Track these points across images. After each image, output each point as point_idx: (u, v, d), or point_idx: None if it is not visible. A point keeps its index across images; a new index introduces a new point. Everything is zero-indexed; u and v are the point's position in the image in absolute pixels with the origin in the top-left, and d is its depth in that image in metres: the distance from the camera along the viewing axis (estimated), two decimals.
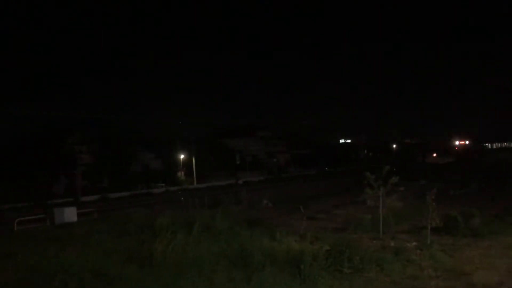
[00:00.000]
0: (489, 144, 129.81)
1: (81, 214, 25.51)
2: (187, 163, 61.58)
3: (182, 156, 62.56)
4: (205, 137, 74.14)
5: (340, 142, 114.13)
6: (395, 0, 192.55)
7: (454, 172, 50.13)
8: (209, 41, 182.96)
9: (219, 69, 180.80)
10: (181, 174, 61.04)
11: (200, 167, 59.88)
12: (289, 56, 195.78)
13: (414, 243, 13.67)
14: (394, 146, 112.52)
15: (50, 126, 56.27)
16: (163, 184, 55.05)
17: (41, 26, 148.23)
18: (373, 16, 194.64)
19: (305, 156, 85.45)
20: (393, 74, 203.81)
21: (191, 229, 14.01)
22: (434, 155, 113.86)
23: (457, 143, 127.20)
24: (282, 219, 20.19)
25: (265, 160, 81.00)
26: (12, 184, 45.17)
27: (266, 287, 9.38)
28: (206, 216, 16.60)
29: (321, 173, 73.26)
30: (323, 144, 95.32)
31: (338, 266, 10.48)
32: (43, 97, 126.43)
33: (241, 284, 9.52)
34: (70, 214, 24.63)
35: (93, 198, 42.72)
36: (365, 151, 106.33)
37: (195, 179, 58.70)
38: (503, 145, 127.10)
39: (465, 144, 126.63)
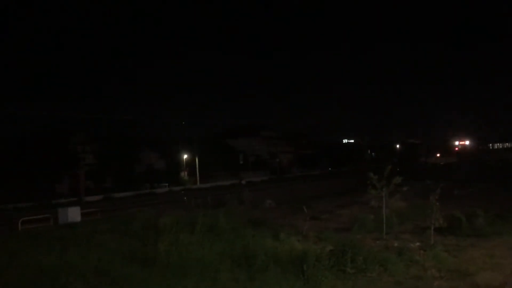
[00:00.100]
0: (495, 144, 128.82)
1: (85, 214, 25.58)
2: (190, 163, 61.70)
3: (185, 156, 62.67)
4: (208, 137, 74.24)
5: (343, 142, 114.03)
6: (396, 0, 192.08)
7: (457, 172, 49.99)
8: (211, 41, 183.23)
9: (222, 69, 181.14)
10: (184, 174, 61.16)
11: (203, 167, 59.97)
12: (292, 56, 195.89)
13: (418, 244, 13.63)
14: (398, 146, 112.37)
15: (54, 126, 56.56)
16: (167, 184, 55.16)
17: (43, 26, 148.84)
18: (374, 15, 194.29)
19: (308, 156, 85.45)
20: (395, 74, 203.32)
21: (195, 229, 14.03)
22: (438, 155, 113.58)
23: (457, 143, 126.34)
24: (285, 219, 20.17)
25: (268, 160, 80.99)
26: (15, 184, 45.34)
27: (269, 287, 9.38)
28: (209, 216, 16.60)
29: (324, 173, 73.27)
30: (326, 144, 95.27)
31: (341, 266, 10.47)
32: (47, 97, 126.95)
33: (245, 284, 9.52)
34: (73, 214, 24.71)
35: (96, 198, 42.88)
36: (368, 151, 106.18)
37: (198, 179, 58.79)
38: (505, 145, 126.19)
39: (465, 144, 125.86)
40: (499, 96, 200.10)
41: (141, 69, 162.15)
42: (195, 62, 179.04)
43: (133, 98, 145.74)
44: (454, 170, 55.72)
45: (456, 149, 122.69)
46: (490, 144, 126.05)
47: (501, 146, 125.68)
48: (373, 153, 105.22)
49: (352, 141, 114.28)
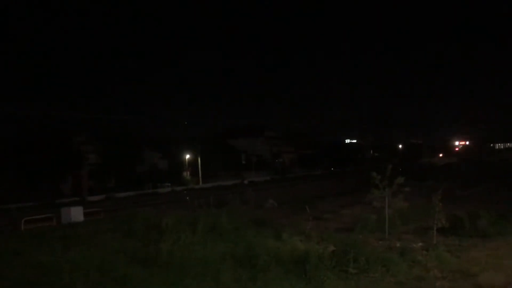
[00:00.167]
0: (496, 144, 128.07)
1: (88, 213, 25.66)
2: (192, 163, 61.76)
3: (187, 156, 62.75)
4: (211, 137, 74.29)
5: (346, 142, 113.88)
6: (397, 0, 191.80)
7: (459, 173, 49.85)
8: (211, 41, 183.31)
9: (224, 69, 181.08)
10: (186, 174, 61.23)
11: (205, 167, 60.02)
12: (294, 55, 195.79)
13: (420, 244, 13.61)
14: (400, 146, 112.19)
15: (56, 126, 56.70)
16: (169, 184, 55.22)
17: (45, 26, 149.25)
18: (375, 15, 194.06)
19: (311, 156, 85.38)
20: (397, 74, 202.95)
21: (197, 229, 14.05)
22: (440, 155, 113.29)
23: (457, 143, 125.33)
24: (287, 219, 20.17)
25: (271, 160, 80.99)
26: (19, 183, 45.51)
27: (271, 287, 9.39)
28: (211, 216, 16.63)
29: (327, 173, 73.18)
30: (328, 144, 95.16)
31: (343, 267, 10.47)
32: (49, 98, 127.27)
33: (247, 284, 9.53)
34: (76, 213, 24.79)
35: (99, 198, 42.98)
36: (371, 151, 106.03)
37: (200, 179, 58.83)
38: (506, 145, 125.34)
39: (465, 144, 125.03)
40: (501, 96, 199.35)
41: (143, 69, 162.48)
42: (197, 62, 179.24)
43: (136, 98, 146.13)
44: (456, 171, 55.55)
45: (456, 149, 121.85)
46: (492, 144, 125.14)
47: (502, 147, 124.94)
48: (375, 153, 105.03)
49: (355, 141, 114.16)
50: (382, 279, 10.19)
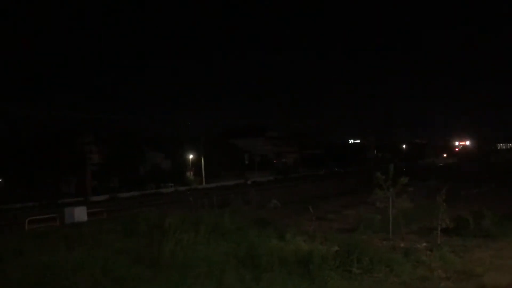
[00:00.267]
0: (498, 145, 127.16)
1: (91, 213, 25.72)
2: (196, 163, 61.83)
3: (191, 156, 62.81)
4: (214, 137, 74.33)
5: (349, 142, 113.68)
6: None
7: (462, 173, 49.65)
8: (216, 42, 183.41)
9: (227, 69, 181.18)
10: (190, 174, 61.31)
11: (209, 167, 60.06)
12: (297, 55, 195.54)
13: (424, 244, 13.55)
14: (404, 146, 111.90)
15: (60, 127, 56.88)
16: (172, 184, 55.30)
17: (48, 27, 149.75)
18: (377, 15, 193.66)
19: (314, 156, 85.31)
20: (401, 74, 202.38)
21: (200, 229, 14.02)
22: (445, 155, 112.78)
23: (457, 143, 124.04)
24: (291, 219, 20.14)
25: (274, 160, 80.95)
26: (23, 184, 45.70)
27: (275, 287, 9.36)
28: (214, 216, 16.61)
29: (330, 173, 73.10)
30: (332, 144, 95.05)
31: (347, 267, 10.42)
32: (53, 98, 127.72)
33: (250, 284, 9.50)
34: (80, 213, 24.87)
35: (102, 198, 43.10)
36: (375, 151, 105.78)
37: (203, 179, 58.87)
38: (508, 146, 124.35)
39: (466, 145, 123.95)
40: (503, 96, 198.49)
41: (146, 69, 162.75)
42: (199, 62, 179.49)
43: (138, 99, 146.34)
44: (458, 171, 55.29)
45: (456, 149, 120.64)
46: (496, 144, 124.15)
47: (504, 147, 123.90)
48: (379, 153, 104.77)
49: (358, 141, 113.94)
50: (386, 279, 10.14)
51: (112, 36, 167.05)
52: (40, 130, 55.42)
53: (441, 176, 40.06)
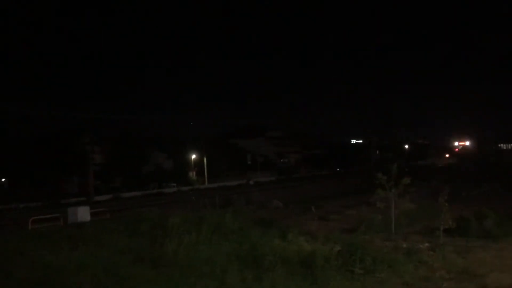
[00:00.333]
0: (499, 145, 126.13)
1: (94, 213, 25.80)
2: (198, 163, 61.86)
3: (193, 156, 62.84)
4: (216, 138, 74.38)
5: (351, 142, 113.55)
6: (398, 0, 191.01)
7: (463, 174, 49.52)
8: (217, 42, 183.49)
9: (230, 69, 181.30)
10: (192, 174, 61.33)
11: (211, 167, 60.10)
12: (300, 56, 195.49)
13: (427, 244, 13.54)
14: (406, 146, 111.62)
15: (63, 127, 57.11)
16: (175, 184, 55.37)
17: (52, 28, 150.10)
18: (378, 15, 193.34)
19: (316, 157, 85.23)
20: (404, 74, 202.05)
21: (202, 229, 14.05)
22: (447, 155, 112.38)
23: (456, 144, 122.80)
24: (293, 220, 20.16)
25: (276, 160, 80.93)
26: (26, 183, 45.85)
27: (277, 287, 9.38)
28: (217, 216, 16.64)
29: (333, 173, 73.00)
30: (334, 144, 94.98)
31: (349, 267, 10.44)
32: (56, 98, 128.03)
33: (253, 284, 9.52)
34: (83, 213, 24.96)
35: (105, 198, 43.19)
36: (377, 152, 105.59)
37: (206, 179, 58.92)
38: (510, 146, 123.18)
39: (465, 145, 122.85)
40: (505, 95, 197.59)
41: (148, 70, 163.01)
42: (206, 63, 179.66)
43: (141, 99, 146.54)
44: (460, 172, 55.11)
45: (456, 150, 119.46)
46: (498, 145, 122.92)
47: (505, 147, 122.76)
48: (381, 154, 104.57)
49: (360, 141, 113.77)
50: (388, 280, 10.14)
51: (114, 36, 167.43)
52: (42, 130, 55.69)
53: (442, 177, 40.03)
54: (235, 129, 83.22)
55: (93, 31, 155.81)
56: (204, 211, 19.98)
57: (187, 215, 16.95)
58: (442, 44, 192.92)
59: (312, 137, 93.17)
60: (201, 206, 24.52)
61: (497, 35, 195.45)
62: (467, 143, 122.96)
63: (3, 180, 53.63)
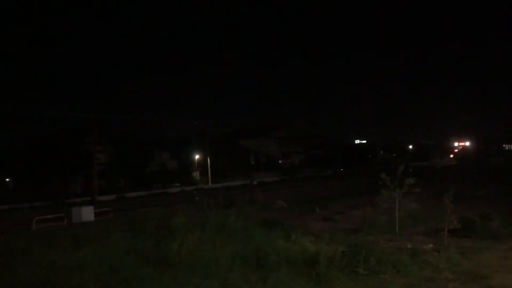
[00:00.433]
0: (503, 145, 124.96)
1: (98, 213, 25.88)
2: (202, 163, 61.93)
3: (197, 156, 62.91)
4: (220, 138, 74.40)
5: (356, 142, 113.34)
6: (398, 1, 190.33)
7: (466, 174, 49.27)
8: (220, 42, 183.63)
9: (232, 69, 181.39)
10: (196, 174, 61.40)
11: (215, 167, 60.16)
12: (303, 55, 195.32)
13: (431, 245, 13.48)
14: (410, 146, 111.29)
15: (67, 127, 57.33)
16: (179, 184, 55.46)
17: (57, 29, 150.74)
18: (381, 15, 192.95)
19: (320, 157, 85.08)
20: (405, 74, 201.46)
21: (206, 229, 14.05)
22: (451, 156, 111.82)
23: (456, 144, 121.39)
24: (297, 220, 20.13)
25: (280, 160, 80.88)
26: (30, 183, 46.05)
27: None
28: (220, 216, 16.63)
29: (337, 173, 72.83)
30: (338, 144, 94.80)
31: (353, 268, 10.41)
32: (61, 98, 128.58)
33: (257, 284, 9.50)
34: (87, 213, 25.05)
35: (109, 198, 43.29)
36: (381, 152, 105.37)
37: (210, 179, 58.97)
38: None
39: (465, 145, 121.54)
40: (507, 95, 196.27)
41: (152, 70, 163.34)
42: (210, 63, 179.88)
43: (145, 99, 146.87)
44: (461, 172, 54.80)
45: (456, 150, 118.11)
46: (499, 145, 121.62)
47: (507, 148, 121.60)
48: (385, 154, 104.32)
49: (364, 141, 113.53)
50: (392, 280, 10.10)
51: (118, 36, 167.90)
52: (47, 130, 55.91)
53: (446, 177, 39.89)
54: (239, 129, 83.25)
55: (96, 30, 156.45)
56: (208, 211, 20.00)
57: (191, 215, 16.97)
58: (446, 44, 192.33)
59: (315, 137, 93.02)
60: (205, 206, 24.53)
61: (501, 34, 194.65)
62: (467, 143, 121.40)
63: (7, 180, 53.95)
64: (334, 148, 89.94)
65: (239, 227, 15.12)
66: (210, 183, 57.67)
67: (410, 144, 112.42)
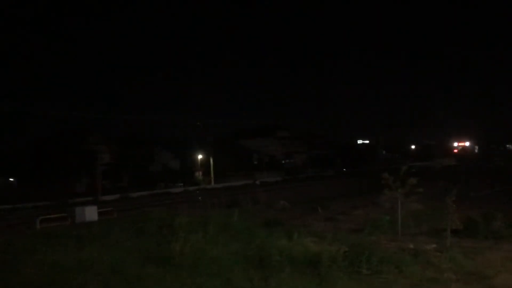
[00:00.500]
0: (508, 145, 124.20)
1: (102, 213, 25.96)
2: (205, 163, 62.02)
3: (200, 156, 63.01)
4: (223, 138, 74.47)
5: (358, 142, 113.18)
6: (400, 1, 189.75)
7: (471, 174, 49.14)
8: (222, 42, 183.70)
9: (236, 69, 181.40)
10: (199, 174, 61.49)
11: (217, 167, 60.21)
12: (307, 55, 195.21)
13: (434, 245, 13.48)
14: (413, 147, 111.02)
15: (71, 127, 57.53)
16: (182, 184, 55.56)
17: (61, 26, 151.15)
18: (382, 16, 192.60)
19: (322, 157, 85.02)
20: (409, 74, 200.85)
21: (209, 228, 14.11)
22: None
23: (455, 144, 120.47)
24: (299, 220, 20.17)
25: (282, 160, 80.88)
26: (34, 183, 46.22)
27: None
28: (223, 216, 16.69)
29: (339, 173, 72.76)
30: (340, 144, 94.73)
31: (356, 268, 10.42)
32: (65, 98, 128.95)
33: (259, 284, 9.54)
34: (91, 213, 25.13)
35: (113, 197, 43.37)
36: (384, 152, 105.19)
37: (212, 179, 59.04)
38: None
39: (465, 146, 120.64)
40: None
41: (156, 70, 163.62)
42: (213, 63, 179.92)
43: (148, 99, 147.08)
44: (466, 173, 54.61)
45: (455, 151, 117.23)
46: (502, 145, 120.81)
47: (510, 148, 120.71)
48: (388, 154, 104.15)
49: (367, 141, 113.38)
50: (395, 281, 10.11)
51: (121, 37, 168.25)
52: (50, 130, 56.13)
53: (448, 178, 39.78)
54: (241, 129, 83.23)
55: (101, 30, 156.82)
56: (211, 211, 20.05)
57: (194, 215, 17.04)
58: (450, 45, 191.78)
59: (318, 137, 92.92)
60: (208, 206, 24.63)
61: (501, 34, 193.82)
62: (467, 143, 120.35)
63: (11, 179, 54.19)
64: (337, 148, 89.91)
65: (241, 227, 15.17)
66: (213, 183, 57.74)
67: (412, 144, 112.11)
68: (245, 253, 11.69)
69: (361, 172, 68.08)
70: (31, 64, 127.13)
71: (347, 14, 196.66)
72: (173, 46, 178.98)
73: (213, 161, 59.80)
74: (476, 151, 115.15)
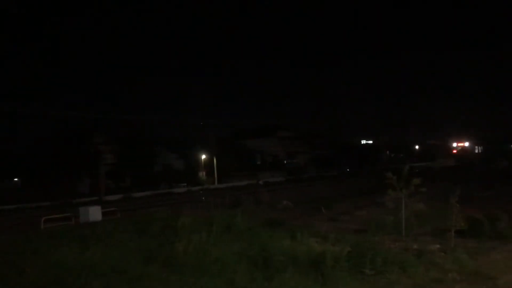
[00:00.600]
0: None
1: (105, 213, 26.02)
2: (208, 163, 62.05)
3: (203, 156, 63.06)
4: (226, 138, 74.50)
5: (361, 142, 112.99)
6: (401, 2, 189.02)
7: (474, 175, 48.99)
8: (225, 42, 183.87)
9: (238, 69, 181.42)
10: (202, 174, 61.51)
11: (221, 167, 60.24)
12: (312, 55, 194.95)
13: (438, 246, 13.44)
14: (417, 147, 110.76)
15: (74, 127, 57.66)
16: (185, 184, 55.62)
17: (64, 29, 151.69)
18: (384, 17, 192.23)
19: (325, 157, 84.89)
20: (410, 74, 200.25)
21: (212, 229, 14.13)
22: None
23: (455, 144, 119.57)
24: (303, 220, 20.14)
25: (286, 160, 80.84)
26: (38, 183, 46.40)
27: None
28: (227, 216, 16.70)
29: (342, 173, 72.69)
30: (344, 144, 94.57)
31: (359, 268, 10.41)
32: (68, 98, 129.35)
33: (262, 284, 9.55)
34: (94, 213, 25.19)
35: (116, 198, 43.47)
36: (387, 152, 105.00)
37: (216, 179, 59.09)
38: None
39: (464, 146, 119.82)
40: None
41: (159, 71, 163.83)
42: (215, 63, 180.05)
43: (152, 100, 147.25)
44: (469, 173, 54.45)
45: (454, 151, 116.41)
46: (504, 146, 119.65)
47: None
48: (391, 154, 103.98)
49: (370, 141, 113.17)
50: (398, 281, 10.09)
51: (123, 37, 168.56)
52: (54, 130, 56.25)
53: (451, 178, 39.67)
54: (245, 129, 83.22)
55: (101, 30, 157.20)
56: (214, 211, 20.06)
57: (197, 215, 17.05)
58: (451, 45, 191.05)
59: (321, 137, 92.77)
60: (211, 206, 24.65)
61: (501, 34, 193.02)
62: (466, 144, 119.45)
63: (15, 180, 54.42)
64: (340, 148, 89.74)
65: (245, 227, 15.19)
66: (216, 183, 57.80)
67: (416, 145, 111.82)
68: (248, 253, 11.69)
69: (365, 172, 68.02)
70: (31, 64, 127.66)
71: (347, 14, 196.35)
72: (173, 46, 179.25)
73: (217, 161, 59.85)
74: (476, 151, 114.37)
